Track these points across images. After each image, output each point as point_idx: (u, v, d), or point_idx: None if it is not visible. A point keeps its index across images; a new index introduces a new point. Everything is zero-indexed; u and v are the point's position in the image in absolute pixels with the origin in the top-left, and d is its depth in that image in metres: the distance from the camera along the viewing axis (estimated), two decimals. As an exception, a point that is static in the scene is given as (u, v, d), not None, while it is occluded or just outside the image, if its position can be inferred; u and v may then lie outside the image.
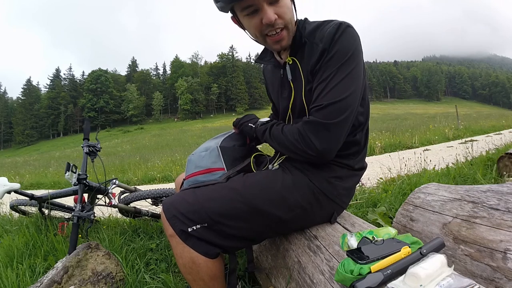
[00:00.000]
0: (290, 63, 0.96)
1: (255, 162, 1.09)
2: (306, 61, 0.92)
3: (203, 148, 1.09)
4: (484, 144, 4.12)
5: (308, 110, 0.93)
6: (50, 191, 2.16)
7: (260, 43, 0.96)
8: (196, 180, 1.03)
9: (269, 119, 1.08)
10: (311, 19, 1.00)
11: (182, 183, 1.12)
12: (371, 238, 0.77)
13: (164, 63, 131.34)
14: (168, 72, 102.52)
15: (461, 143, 5.80)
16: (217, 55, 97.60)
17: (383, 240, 0.73)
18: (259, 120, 1.09)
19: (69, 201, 2.15)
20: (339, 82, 0.83)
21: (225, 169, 1.01)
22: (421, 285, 0.55)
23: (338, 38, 0.85)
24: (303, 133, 0.86)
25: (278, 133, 0.95)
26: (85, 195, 1.91)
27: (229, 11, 0.91)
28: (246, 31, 0.94)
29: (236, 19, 0.93)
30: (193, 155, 1.09)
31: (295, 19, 0.92)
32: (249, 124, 1.09)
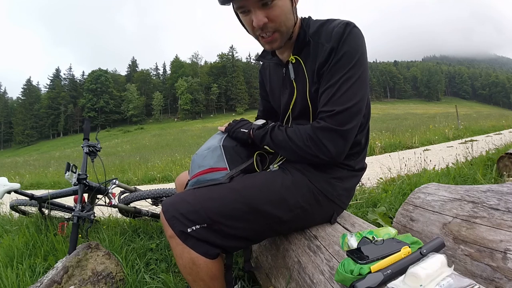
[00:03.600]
0: (293, 62, 0.96)
1: (259, 161, 1.07)
2: (312, 60, 0.91)
3: (206, 147, 1.07)
4: (484, 144, 4.12)
5: (313, 111, 0.93)
6: (50, 191, 2.16)
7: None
8: (199, 181, 1.01)
9: (264, 121, 1.03)
10: (313, 17, 1.00)
11: (187, 183, 1.11)
12: (371, 238, 0.77)
13: (164, 63, 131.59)
14: (168, 72, 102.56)
15: (461, 143, 5.80)
16: (217, 55, 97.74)
17: (383, 240, 0.73)
18: (254, 123, 1.04)
19: (69, 201, 2.15)
20: (350, 87, 0.83)
21: (228, 168, 1.00)
22: (421, 285, 0.55)
23: (346, 38, 0.84)
24: (315, 139, 0.85)
25: (282, 138, 0.93)
26: (85, 195, 1.91)
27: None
28: (243, 25, 0.94)
29: (237, 12, 0.93)
30: (196, 155, 1.07)
31: (295, 19, 0.91)
32: (242, 130, 1.05)
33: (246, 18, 0.87)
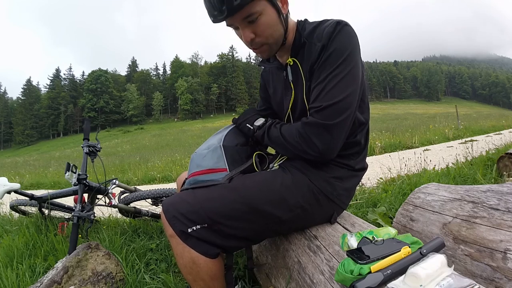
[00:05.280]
0: (291, 64, 0.97)
1: (258, 162, 1.07)
2: (306, 61, 0.92)
3: (206, 146, 1.07)
4: (484, 144, 4.12)
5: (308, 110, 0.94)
6: (50, 191, 2.16)
7: None
8: (196, 180, 1.01)
9: (263, 120, 1.06)
10: (311, 19, 1.01)
11: (184, 182, 1.11)
12: (371, 238, 0.77)
13: (164, 63, 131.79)
14: (168, 72, 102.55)
15: (461, 143, 5.80)
16: (217, 55, 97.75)
17: (383, 240, 0.73)
18: (254, 123, 1.06)
19: (69, 201, 2.15)
20: (337, 82, 0.84)
21: (228, 169, 0.99)
22: (421, 285, 0.55)
23: (336, 36, 0.85)
24: (303, 135, 0.87)
25: (277, 135, 0.95)
26: (85, 195, 1.91)
27: None
28: None
29: None
30: (195, 154, 1.07)
31: (284, 28, 0.92)
32: (247, 125, 1.08)
33: (237, 33, 0.92)
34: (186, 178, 1.07)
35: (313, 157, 0.89)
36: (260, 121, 1.05)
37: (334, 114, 0.84)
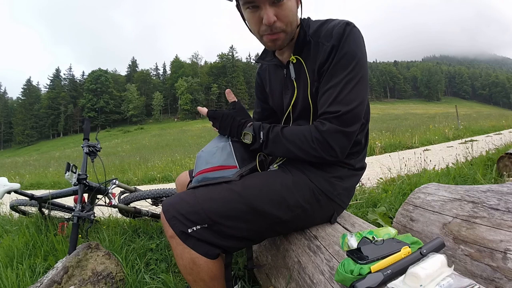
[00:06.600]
0: (294, 62, 0.96)
1: (262, 161, 1.06)
2: (312, 60, 0.92)
3: (214, 144, 1.05)
4: (484, 144, 4.12)
5: (314, 111, 0.93)
6: (50, 191, 2.16)
7: (257, 38, 0.94)
8: (206, 178, 0.98)
9: (251, 135, 0.96)
10: (312, 18, 1.00)
11: (190, 181, 1.08)
12: (371, 238, 0.77)
13: (164, 63, 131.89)
14: (168, 72, 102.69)
15: (461, 143, 5.80)
16: (217, 55, 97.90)
17: (383, 240, 0.73)
18: (244, 140, 0.98)
19: (69, 201, 2.15)
20: (353, 87, 0.84)
21: (238, 166, 0.97)
22: (421, 285, 0.55)
23: (347, 38, 0.85)
24: (322, 141, 0.85)
25: (279, 140, 0.92)
26: (85, 195, 1.91)
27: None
28: (246, 22, 0.92)
29: (239, 8, 0.91)
30: (202, 152, 1.04)
31: (298, 21, 0.91)
32: (244, 140, 0.99)
33: (254, 15, 0.86)
34: (193, 176, 1.03)
35: (327, 161, 0.89)
36: (248, 137, 0.97)
37: (353, 121, 0.85)
